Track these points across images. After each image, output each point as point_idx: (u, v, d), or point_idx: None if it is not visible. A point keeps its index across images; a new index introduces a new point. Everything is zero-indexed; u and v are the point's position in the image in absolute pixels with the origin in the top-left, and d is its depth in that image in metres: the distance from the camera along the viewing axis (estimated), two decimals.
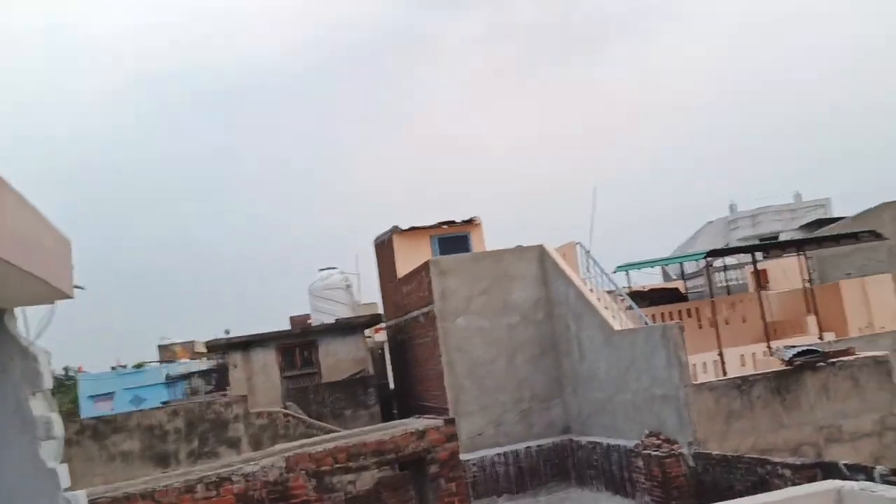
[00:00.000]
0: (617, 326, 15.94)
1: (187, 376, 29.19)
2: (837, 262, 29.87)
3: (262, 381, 19.51)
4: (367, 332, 22.75)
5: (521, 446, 17.25)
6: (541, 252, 18.42)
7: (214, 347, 21.72)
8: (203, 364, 31.89)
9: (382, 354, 26.68)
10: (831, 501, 3.63)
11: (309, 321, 21.66)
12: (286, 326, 21.17)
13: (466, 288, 17.82)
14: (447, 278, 17.83)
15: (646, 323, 17.06)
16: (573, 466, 17.22)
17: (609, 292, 18.34)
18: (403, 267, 20.90)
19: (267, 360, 19.60)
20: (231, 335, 20.92)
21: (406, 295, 20.35)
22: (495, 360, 17.58)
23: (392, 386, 23.28)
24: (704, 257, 20.38)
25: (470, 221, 22.30)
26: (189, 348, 36.77)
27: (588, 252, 18.84)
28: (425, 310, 18.53)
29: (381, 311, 24.15)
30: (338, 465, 9.25)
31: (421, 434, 9.50)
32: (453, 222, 22.33)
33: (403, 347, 21.23)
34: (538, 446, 17.35)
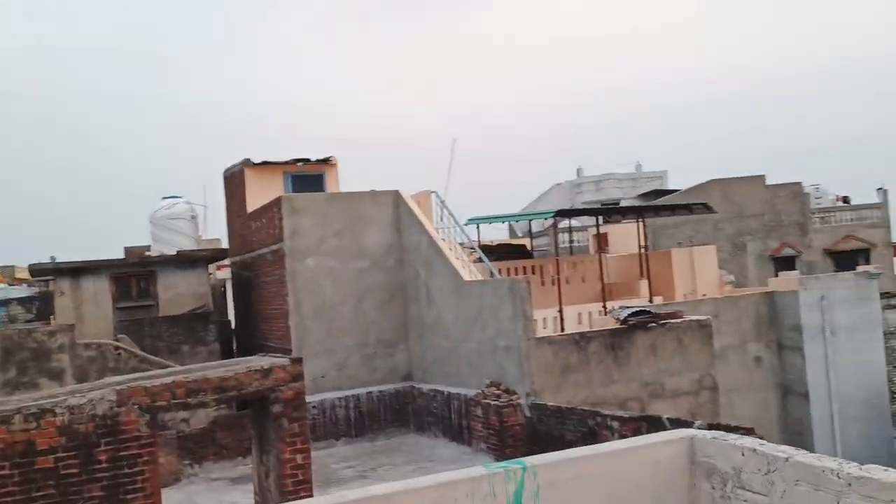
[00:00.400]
0: (467, 277, 16.13)
1: (5, 303, 26.99)
2: (669, 232, 31.79)
3: (92, 310, 18.30)
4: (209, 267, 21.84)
5: (362, 391, 17.24)
6: (396, 198, 18.27)
7: (39, 272, 20.13)
8: (23, 291, 29.59)
9: (223, 292, 25.80)
10: (685, 447, 3.75)
11: (147, 253, 20.50)
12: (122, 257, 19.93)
13: (318, 228, 17.42)
14: (299, 217, 17.34)
15: (493, 275, 17.41)
16: (412, 413, 17.43)
17: (460, 244, 18.53)
18: (254, 202, 20.14)
19: (99, 289, 18.37)
20: (59, 262, 19.43)
21: (255, 231, 19.66)
22: (343, 303, 17.37)
23: (233, 324, 22.56)
24: (554, 216, 20.99)
25: (326, 161, 21.74)
26: (8, 273, 34.01)
27: (443, 202, 18.91)
28: (274, 247, 17.99)
29: (225, 247, 23.24)
30: (175, 401, 8.76)
31: (266, 372, 9.18)
32: (308, 160, 21.68)
33: (248, 285, 20.57)
34: (380, 392, 17.41)
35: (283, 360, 9.58)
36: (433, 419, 16.66)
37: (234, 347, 21.73)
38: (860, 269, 21.97)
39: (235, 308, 22.78)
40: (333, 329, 17.24)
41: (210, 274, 22.77)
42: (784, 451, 3.36)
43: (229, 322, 22.76)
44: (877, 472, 2.99)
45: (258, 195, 20.34)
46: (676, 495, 3.71)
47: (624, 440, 4.36)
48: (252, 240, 19.96)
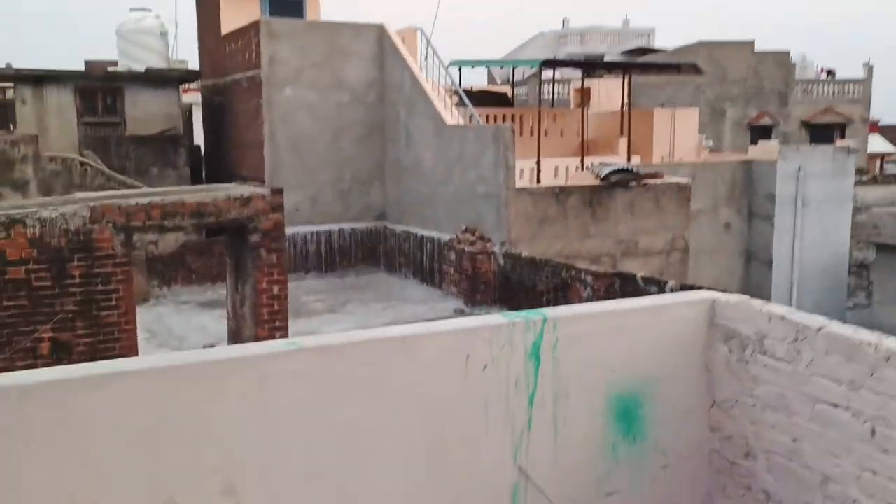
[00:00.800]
0: (449, 120, 15.68)
1: None
2: (650, 92, 31.19)
3: (56, 123, 17.52)
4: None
5: (335, 227, 17.12)
6: (380, 32, 17.40)
7: None
8: None
9: (190, 116, 24.89)
10: (705, 309, 3.63)
11: (112, 69, 19.46)
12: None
13: (298, 58, 16.62)
14: (279, 43, 16.48)
15: (476, 121, 16.96)
16: (384, 252, 17.44)
17: (443, 87, 17.90)
18: (228, 23, 19.05)
19: (63, 102, 17.51)
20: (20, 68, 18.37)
21: (229, 55, 18.71)
22: (320, 136, 16.88)
23: (203, 150, 21.95)
24: (540, 65, 20.30)
25: None
26: None
27: (429, 41, 18.04)
28: (250, 74, 17.19)
29: (196, 69, 22.20)
30: (151, 223, 8.51)
31: (245, 200, 8.91)
32: None
33: (220, 111, 19.83)
34: (352, 229, 17.32)
35: (263, 190, 9.30)
36: (405, 260, 16.69)
37: (204, 174, 21.24)
38: (840, 143, 21.93)
39: (205, 134, 22.07)
40: (308, 162, 16.85)
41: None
42: (817, 320, 3.25)
43: (199, 147, 22.13)
44: None
45: (233, 15, 19.24)
46: (692, 354, 3.63)
47: (646, 297, 4.25)
48: (226, 64, 19.05)
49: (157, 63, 19.59)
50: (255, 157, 17.30)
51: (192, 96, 26.92)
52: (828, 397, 3.15)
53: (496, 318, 3.28)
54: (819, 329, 3.18)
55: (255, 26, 16.81)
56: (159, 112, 18.97)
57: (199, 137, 22.91)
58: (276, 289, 9.22)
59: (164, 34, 20.22)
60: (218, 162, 20.39)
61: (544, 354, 3.30)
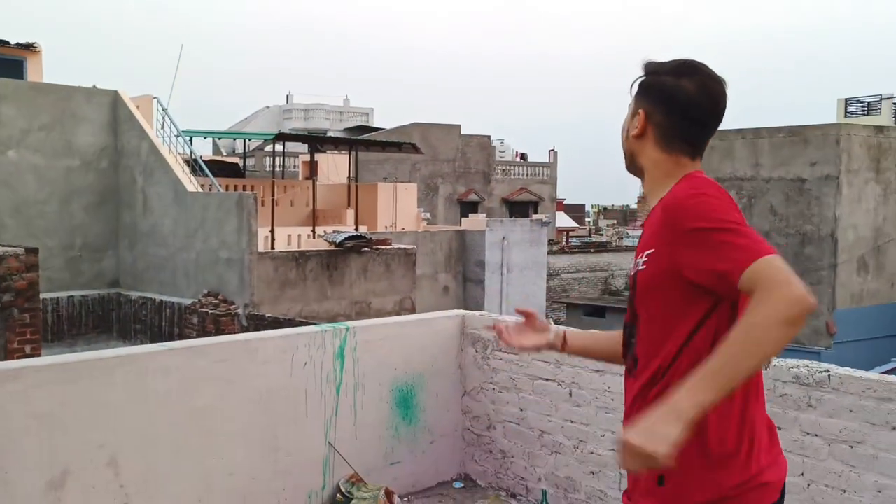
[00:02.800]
0: (190, 188, 16.13)
1: None
2: (371, 167, 33.60)
3: None
4: None
5: (63, 294, 16.52)
6: (115, 98, 17.46)
7: None
8: None
9: None
10: (458, 322, 4.94)
11: None
12: None
13: (24, 119, 16.13)
14: (2, 104, 15.91)
15: (218, 189, 17.54)
16: (117, 319, 17.11)
17: (180, 154, 18.28)
18: None
19: None
20: None
21: None
22: (47, 201, 16.37)
23: None
24: (274, 138, 21.40)
25: (28, 47, 19.85)
26: None
27: (165, 109, 18.42)
28: None
29: None
30: None
31: None
32: (7, 43, 19.64)
33: None
34: (82, 296, 16.82)
35: (17, 249, 9.28)
36: (141, 326, 16.55)
37: None
38: (535, 217, 25.44)
39: None
40: (34, 228, 16.20)
41: None
42: None
43: None
44: None
45: None
46: (450, 356, 4.91)
47: (416, 314, 5.46)
48: None
49: None
50: None
51: None
52: (542, 374, 4.57)
53: (313, 328, 4.31)
54: None
55: None
56: None
57: None
58: (28, 348, 9.18)
59: None
60: None
61: (347, 355, 4.38)
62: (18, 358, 9.28)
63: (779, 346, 1.50)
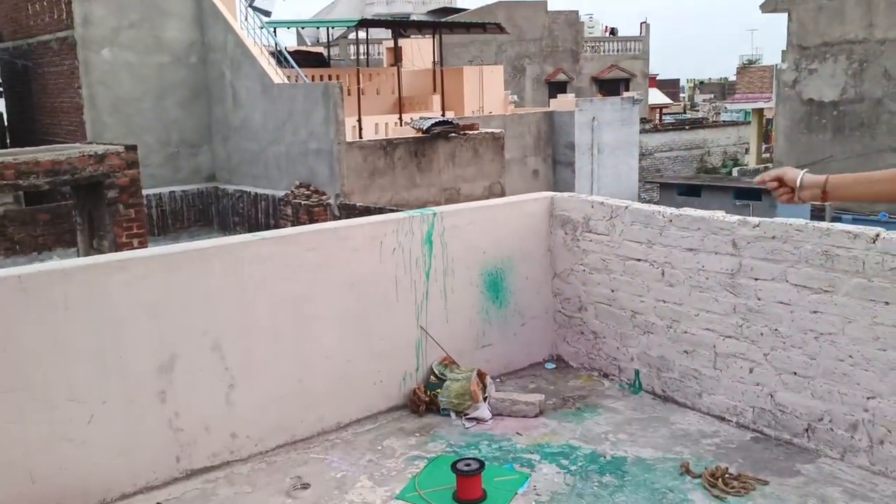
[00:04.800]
0: (276, 80, 16.21)
1: None
2: (455, 51, 32.90)
3: None
4: None
5: (165, 190, 17.18)
6: None
7: None
8: None
9: None
10: (547, 203, 4.86)
11: None
12: None
13: (114, 17, 16.38)
14: (91, 2, 16.16)
15: (304, 80, 17.57)
16: (217, 213, 17.74)
17: (265, 46, 18.30)
18: None
19: None
20: None
21: (33, 15, 17.96)
22: (143, 98, 16.80)
23: (6, 117, 20.84)
24: (357, 25, 21.11)
25: None
26: None
27: (249, 1, 18.34)
28: (61, 35, 16.70)
29: None
30: (4, 182, 8.66)
31: (100, 158, 9.23)
32: None
33: (25, 75, 18.99)
34: (183, 191, 17.45)
35: (117, 147, 9.61)
36: (239, 219, 17.13)
37: (9, 141, 20.23)
38: (626, 94, 24.55)
39: (7, 101, 20.97)
40: (133, 126, 16.72)
41: None
42: (623, 202, 4.56)
43: (1, 115, 20.98)
44: (688, 211, 4.27)
45: None
46: (539, 238, 4.86)
47: (505, 198, 5.42)
48: (29, 24, 18.26)
49: None
50: (72, 122, 16.91)
51: None
52: (634, 255, 4.48)
53: (401, 214, 4.32)
54: (626, 207, 4.50)
55: None
56: None
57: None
58: (135, 242, 9.64)
59: None
60: (25, 129, 19.54)
61: (435, 240, 4.39)
62: (128, 251, 9.78)
63: None
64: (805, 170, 2.22)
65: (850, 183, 2.15)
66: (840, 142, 19.03)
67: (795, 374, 3.80)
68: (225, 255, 3.68)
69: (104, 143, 10.92)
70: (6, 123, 20.75)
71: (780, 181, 2.23)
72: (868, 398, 3.54)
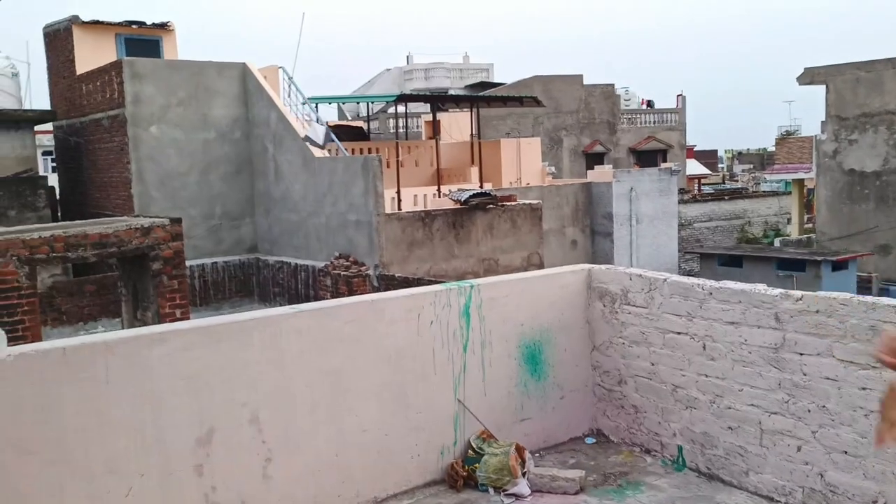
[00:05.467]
0: (318, 154, 16.59)
1: None
2: (493, 123, 33.43)
3: None
4: None
5: (207, 261, 17.49)
6: (243, 70, 18.11)
7: None
8: None
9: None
10: (585, 276, 4.84)
11: None
12: None
13: (163, 96, 17.01)
14: (142, 82, 16.81)
15: (344, 154, 17.94)
16: (257, 283, 17.96)
17: (307, 121, 18.78)
18: (82, 64, 19.10)
19: None
20: None
21: (87, 95, 18.73)
22: (188, 173, 17.28)
23: (57, 191, 21.55)
24: (396, 100, 21.61)
25: (163, 26, 20.81)
26: None
27: (291, 78, 18.94)
28: (112, 113, 17.36)
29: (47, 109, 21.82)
30: (54, 255, 8.90)
31: (146, 230, 9.46)
32: (143, 23, 20.68)
33: (77, 151, 19.71)
34: (224, 262, 17.74)
35: (162, 220, 9.85)
36: (279, 290, 17.31)
37: (60, 214, 20.87)
38: (663, 166, 24.59)
39: (60, 175, 21.74)
40: (178, 200, 17.16)
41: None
42: (662, 274, 4.53)
43: (54, 189, 21.70)
44: (729, 283, 4.22)
45: (87, 57, 19.30)
46: (577, 310, 4.83)
47: (542, 270, 5.42)
48: (83, 104, 19.03)
49: (10, 105, 19.24)
50: (120, 196, 17.41)
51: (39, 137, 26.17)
52: (673, 328, 4.42)
53: (438, 287, 4.34)
54: (665, 280, 4.46)
55: (116, 66, 17.05)
56: (13, 154, 18.62)
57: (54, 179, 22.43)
58: (178, 313, 9.77)
59: (15, 75, 19.89)
60: (77, 203, 20.17)
61: (473, 312, 4.39)
62: (170, 322, 9.93)
63: None
64: None
65: None
66: (884, 212, 18.75)
67: (846, 452, 3.67)
68: (264, 328, 3.72)
69: (150, 217, 11.21)
70: (58, 197, 21.46)
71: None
72: None
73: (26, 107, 20.86)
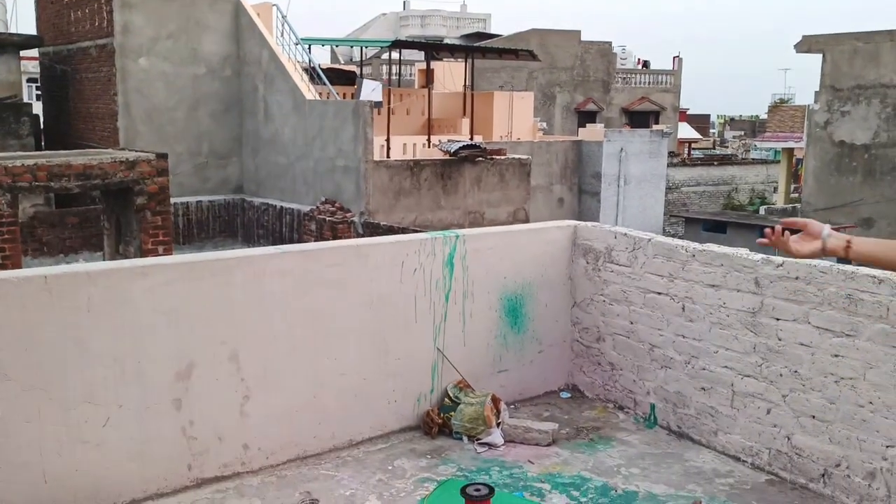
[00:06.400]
0: (308, 96, 16.39)
1: None
2: (487, 76, 33.07)
3: None
4: None
5: (192, 199, 17.36)
6: (236, 6, 17.76)
7: None
8: None
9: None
10: (570, 232, 4.86)
11: None
12: None
13: (153, 28, 16.68)
14: (132, 12, 16.47)
15: (336, 97, 17.74)
16: (242, 224, 17.88)
17: (299, 62, 18.50)
18: None
19: None
20: None
21: (75, 22, 18.34)
22: (176, 108, 17.05)
23: (42, 119, 21.20)
24: (390, 46, 21.32)
25: None
26: None
27: (284, 17, 18.59)
28: (101, 42, 17.03)
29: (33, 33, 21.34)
30: (37, 184, 8.81)
31: (131, 164, 9.36)
32: None
33: (63, 80, 19.36)
34: (209, 201, 17.62)
35: (148, 154, 9.75)
36: (263, 231, 17.25)
37: (44, 144, 20.57)
38: (655, 127, 24.51)
39: (45, 104, 21.38)
40: (164, 135, 16.95)
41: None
42: (647, 234, 4.55)
43: (38, 117, 21.35)
44: (712, 247, 4.25)
45: None
46: (560, 266, 4.86)
47: (527, 224, 5.43)
48: (71, 31, 18.64)
49: None
50: (106, 128, 17.18)
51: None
52: (654, 288, 4.46)
53: (423, 235, 4.34)
54: (649, 240, 4.48)
55: None
56: None
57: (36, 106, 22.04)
58: (161, 249, 9.74)
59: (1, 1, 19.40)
60: (61, 133, 19.89)
61: (456, 262, 4.40)
62: (152, 257, 9.89)
63: None
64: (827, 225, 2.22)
65: (871, 245, 2.15)
66: (870, 185, 18.85)
67: (814, 417, 3.75)
68: (247, 267, 3.72)
69: (136, 150, 11.08)
70: (42, 126, 21.12)
71: (805, 228, 2.22)
72: (888, 446, 3.48)
73: (12, 31, 20.40)
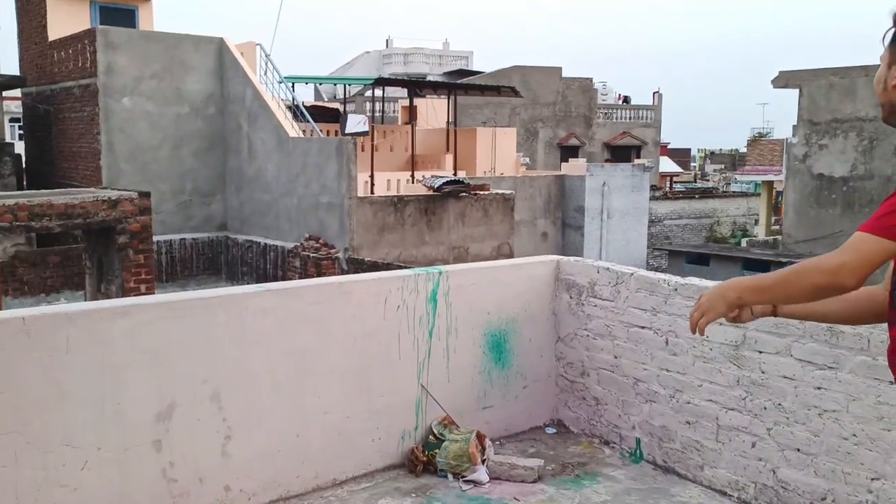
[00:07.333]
0: (292, 133, 16.46)
1: None
2: (470, 112, 33.36)
3: None
4: None
5: (175, 237, 17.31)
6: (220, 45, 17.89)
7: None
8: None
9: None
10: (553, 267, 4.87)
11: None
12: None
13: (136, 67, 16.76)
14: (116, 52, 16.55)
15: (319, 135, 17.83)
16: (226, 262, 17.82)
17: (283, 100, 18.62)
18: (55, 30, 18.74)
19: None
20: None
21: (59, 62, 18.39)
22: (159, 147, 17.07)
23: (25, 160, 21.16)
24: (374, 83, 21.49)
25: None
26: None
27: (268, 56, 18.74)
28: (84, 82, 17.07)
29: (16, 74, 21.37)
30: (17, 223, 8.75)
31: (113, 203, 9.34)
32: None
33: (46, 119, 19.35)
34: (193, 239, 17.57)
35: (130, 193, 9.73)
36: (247, 269, 17.19)
37: (25, 183, 20.49)
38: (637, 161, 24.76)
39: (27, 143, 21.35)
40: (148, 174, 16.94)
41: None
42: (629, 268, 4.57)
43: (20, 156, 21.29)
44: (694, 280, 4.27)
45: (60, 22, 18.97)
46: (543, 301, 4.86)
47: (510, 259, 5.45)
48: (54, 71, 18.69)
49: None
50: (89, 167, 17.15)
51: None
52: (638, 322, 4.47)
53: (406, 272, 4.34)
54: (632, 274, 4.50)
55: (90, 34, 16.76)
56: None
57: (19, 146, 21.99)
58: (143, 288, 9.67)
59: None
60: (43, 173, 19.83)
61: (440, 299, 4.40)
62: (134, 296, 9.81)
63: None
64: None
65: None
66: (850, 217, 19.06)
67: (798, 450, 3.74)
68: (228, 306, 3.70)
69: (119, 189, 11.06)
70: (24, 166, 21.06)
71: (702, 308, 2.03)
72: (872, 479, 3.48)
73: None
